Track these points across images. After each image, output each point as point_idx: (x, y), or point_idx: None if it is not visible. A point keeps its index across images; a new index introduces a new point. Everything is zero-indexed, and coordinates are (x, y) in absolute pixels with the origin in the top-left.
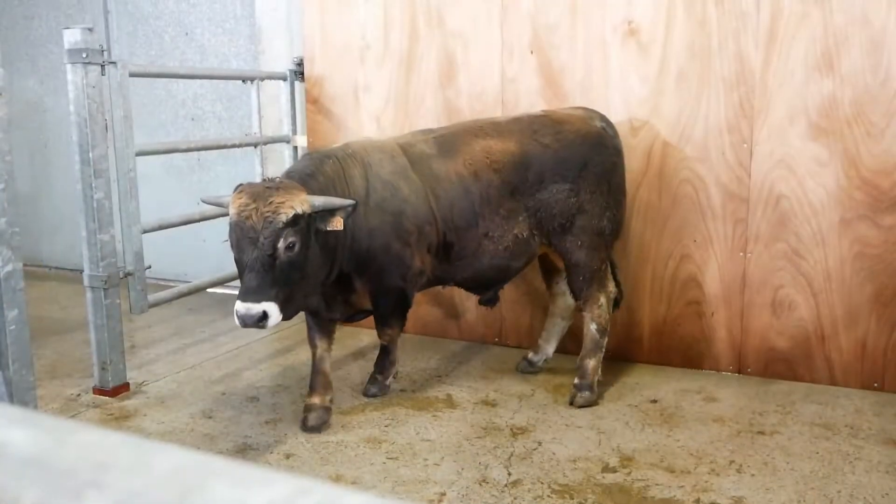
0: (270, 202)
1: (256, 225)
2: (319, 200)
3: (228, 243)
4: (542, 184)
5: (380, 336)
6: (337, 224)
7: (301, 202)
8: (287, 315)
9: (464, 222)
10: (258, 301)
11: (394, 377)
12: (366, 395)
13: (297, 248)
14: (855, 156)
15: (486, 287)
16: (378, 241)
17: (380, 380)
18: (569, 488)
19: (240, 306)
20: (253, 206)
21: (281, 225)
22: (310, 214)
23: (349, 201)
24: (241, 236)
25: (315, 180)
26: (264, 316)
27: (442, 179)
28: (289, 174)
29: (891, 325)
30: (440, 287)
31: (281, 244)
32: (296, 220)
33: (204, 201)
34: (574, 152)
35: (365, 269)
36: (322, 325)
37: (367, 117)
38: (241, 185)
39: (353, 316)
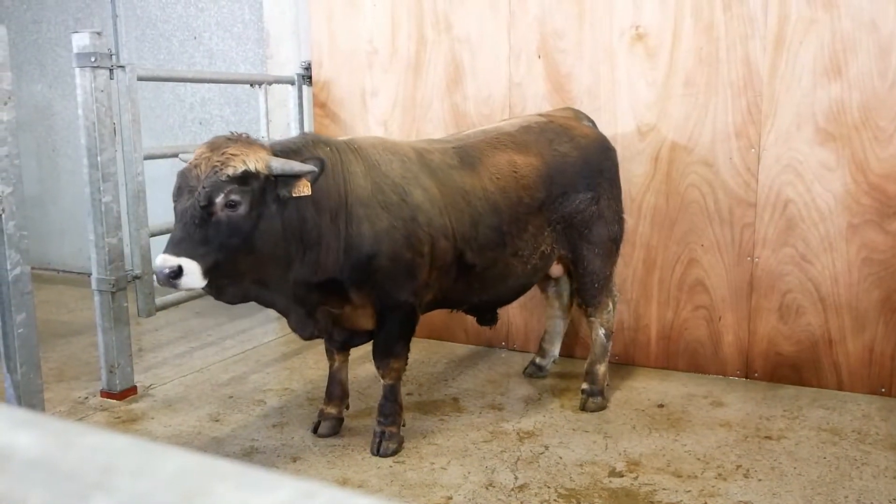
0: (223, 153)
1: (201, 174)
2: (277, 163)
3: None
4: (565, 195)
5: (382, 373)
6: (303, 188)
7: (257, 160)
8: (227, 296)
9: (490, 242)
10: (177, 254)
11: (403, 424)
12: (381, 454)
13: (241, 209)
14: (862, 161)
15: (495, 308)
16: (385, 248)
17: (394, 433)
18: (575, 493)
19: (157, 258)
20: (206, 154)
21: (224, 178)
22: (266, 177)
23: (310, 167)
24: (183, 184)
25: (299, 157)
26: (178, 272)
27: (468, 193)
28: (272, 146)
29: None
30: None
31: (220, 199)
32: (245, 178)
33: (182, 159)
34: (591, 159)
35: (367, 279)
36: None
37: (374, 122)
38: None
39: (349, 339)
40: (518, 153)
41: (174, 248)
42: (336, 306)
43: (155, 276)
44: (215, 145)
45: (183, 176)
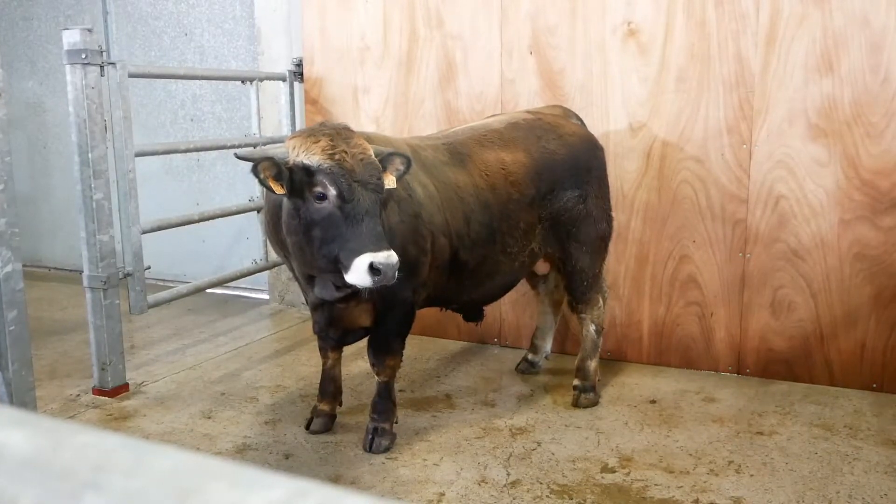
0: (353, 143)
1: (364, 168)
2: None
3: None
4: (553, 192)
5: (378, 370)
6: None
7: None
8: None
9: (481, 238)
10: (389, 248)
11: (396, 421)
12: (374, 450)
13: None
14: (854, 157)
15: (484, 305)
16: (394, 242)
17: (387, 429)
18: (568, 488)
19: (379, 255)
20: (343, 147)
21: (380, 169)
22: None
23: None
24: (349, 180)
25: None
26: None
27: (460, 189)
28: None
29: (890, 326)
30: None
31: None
32: None
33: (277, 156)
34: (579, 157)
35: None
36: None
37: (366, 119)
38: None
39: (343, 338)
40: (506, 150)
41: (385, 242)
42: (343, 300)
43: (379, 277)
44: (339, 136)
45: (348, 172)
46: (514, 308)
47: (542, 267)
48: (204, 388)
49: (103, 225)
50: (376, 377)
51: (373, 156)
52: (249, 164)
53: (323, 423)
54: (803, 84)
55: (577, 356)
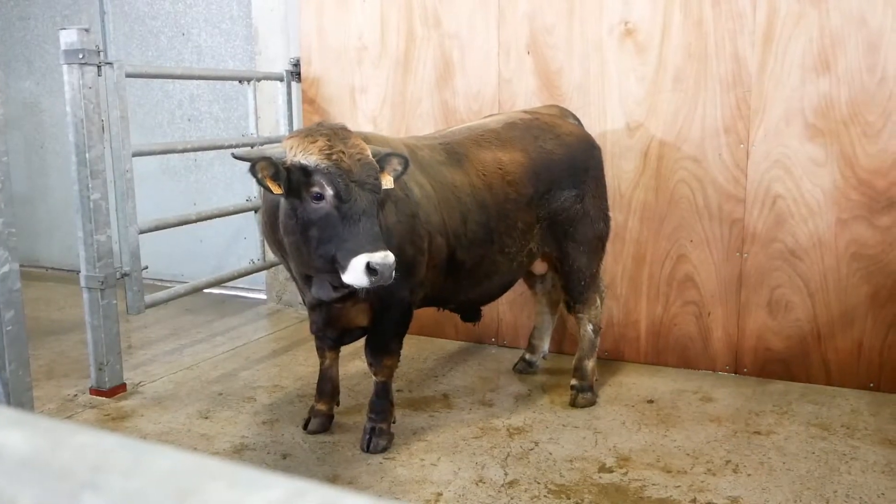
0: (351, 144)
1: (362, 169)
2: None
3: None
4: (550, 192)
5: (375, 370)
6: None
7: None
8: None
9: (478, 238)
10: (386, 248)
11: (394, 421)
12: (371, 450)
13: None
14: (851, 156)
15: (481, 305)
16: (392, 243)
17: (384, 429)
18: (565, 488)
19: (376, 255)
20: (341, 148)
21: (377, 170)
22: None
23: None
24: (346, 181)
25: None
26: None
27: (457, 189)
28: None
29: (887, 326)
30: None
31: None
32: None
33: (276, 156)
34: (577, 157)
35: None
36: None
37: (363, 118)
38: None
39: (341, 338)
40: (503, 150)
41: (382, 242)
42: (340, 300)
43: (376, 278)
44: (337, 136)
45: (346, 172)
46: (511, 308)
47: (539, 267)
48: (201, 388)
49: (100, 225)
50: (374, 377)
51: (370, 156)
52: (247, 164)
53: (320, 423)
54: (800, 83)
55: (575, 356)
